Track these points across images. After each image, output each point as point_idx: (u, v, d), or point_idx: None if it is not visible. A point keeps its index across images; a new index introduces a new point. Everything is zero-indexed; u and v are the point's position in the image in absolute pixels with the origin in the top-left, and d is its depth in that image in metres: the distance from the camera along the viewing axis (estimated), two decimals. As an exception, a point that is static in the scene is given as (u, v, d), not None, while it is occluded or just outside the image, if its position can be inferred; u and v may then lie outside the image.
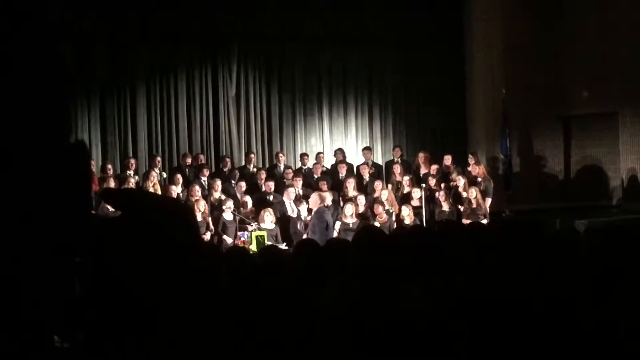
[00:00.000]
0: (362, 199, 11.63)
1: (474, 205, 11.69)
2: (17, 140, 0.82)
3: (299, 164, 13.90)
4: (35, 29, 0.86)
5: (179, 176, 12.14)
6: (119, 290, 0.88)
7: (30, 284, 0.84)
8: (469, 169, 12.91)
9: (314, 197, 11.03)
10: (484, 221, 11.02)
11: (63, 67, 0.87)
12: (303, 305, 3.24)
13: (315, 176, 13.10)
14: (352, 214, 11.03)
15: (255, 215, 11.22)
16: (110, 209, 9.25)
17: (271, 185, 12.10)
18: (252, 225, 10.98)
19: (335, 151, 14.20)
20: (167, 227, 0.91)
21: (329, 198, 11.60)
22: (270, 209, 11.09)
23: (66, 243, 0.85)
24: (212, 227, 11.07)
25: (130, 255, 0.88)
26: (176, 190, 11.60)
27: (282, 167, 13.43)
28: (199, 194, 11.33)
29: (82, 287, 0.89)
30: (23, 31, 0.85)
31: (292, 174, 12.72)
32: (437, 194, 12.04)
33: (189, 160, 13.22)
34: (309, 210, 11.27)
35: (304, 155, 13.91)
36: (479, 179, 12.52)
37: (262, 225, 10.87)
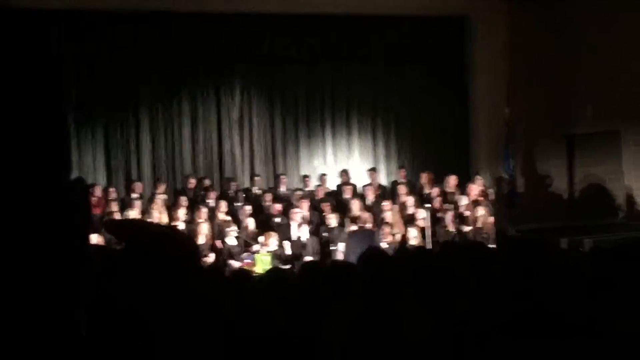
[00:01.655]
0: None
1: (479, 225, 11.67)
2: (14, 177, 0.82)
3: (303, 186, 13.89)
4: (35, 56, 0.86)
5: (184, 198, 12.16)
6: (122, 320, 0.88)
7: (31, 320, 0.84)
8: (467, 189, 12.81)
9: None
10: (489, 241, 11.02)
11: (62, 95, 0.87)
12: (307, 327, 3.23)
13: (317, 198, 13.06)
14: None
15: (258, 237, 11.24)
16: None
17: (278, 207, 12.12)
18: (255, 247, 10.99)
19: (340, 172, 14.19)
20: (168, 256, 0.91)
21: (333, 220, 11.67)
22: (274, 232, 11.11)
23: (66, 278, 0.85)
24: (217, 249, 11.07)
25: (132, 285, 0.88)
26: (181, 212, 11.61)
27: (283, 190, 13.43)
28: (205, 216, 11.36)
29: (85, 319, 0.89)
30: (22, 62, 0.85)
31: (300, 197, 12.71)
32: (440, 214, 12.02)
33: (192, 181, 13.22)
34: (312, 232, 11.37)
35: (305, 177, 13.95)
36: (480, 199, 12.48)
37: (267, 248, 10.88)
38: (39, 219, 0.83)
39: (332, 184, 14.04)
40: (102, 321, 0.90)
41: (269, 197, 12.73)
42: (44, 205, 0.83)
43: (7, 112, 0.83)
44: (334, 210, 12.23)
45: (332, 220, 11.70)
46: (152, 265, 0.89)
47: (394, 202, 12.63)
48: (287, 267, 10.47)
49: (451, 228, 11.69)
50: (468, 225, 11.85)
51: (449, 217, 11.77)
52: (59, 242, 0.84)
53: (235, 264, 10.83)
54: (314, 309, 3.42)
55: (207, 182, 13.43)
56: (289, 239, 11.45)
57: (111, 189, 12.42)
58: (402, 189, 13.09)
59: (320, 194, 13.22)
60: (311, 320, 3.28)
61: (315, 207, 12.56)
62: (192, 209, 12.01)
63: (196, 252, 1.01)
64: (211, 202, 12.31)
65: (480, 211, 11.79)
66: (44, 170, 0.84)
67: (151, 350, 0.89)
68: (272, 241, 10.94)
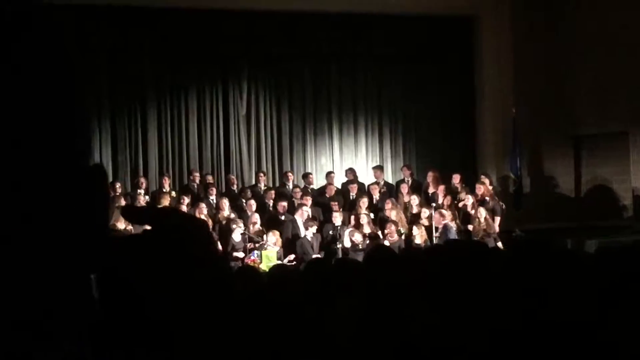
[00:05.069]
0: (365, 218, 11.68)
1: (484, 226, 11.66)
2: (34, 161, 0.82)
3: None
4: (45, 34, 0.87)
5: (186, 195, 12.19)
6: (135, 306, 0.89)
7: (46, 302, 0.85)
8: (476, 189, 12.78)
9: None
10: (497, 242, 11.04)
11: (78, 82, 0.88)
12: (312, 324, 3.23)
13: (327, 196, 12.99)
14: (359, 234, 11.17)
15: (263, 235, 11.26)
16: (121, 226, 9.32)
17: (284, 205, 12.09)
18: (261, 244, 11.00)
19: (346, 171, 14.14)
20: (185, 242, 0.92)
21: (338, 219, 11.65)
22: (274, 231, 11.11)
23: (83, 261, 0.86)
24: (219, 246, 11.07)
25: (148, 271, 0.89)
26: (183, 208, 11.63)
27: (290, 187, 13.42)
28: (205, 211, 11.37)
29: (98, 303, 0.89)
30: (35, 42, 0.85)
31: (300, 194, 12.69)
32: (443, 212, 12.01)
33: (196, 174, 13.25)
34: (318, 230, 11.36)
35: (308, 175, 13.90)
36: (487, 199, 12.46)
37: (272, 246, 10.90)
38: (55, 206, 0.83)
39: (338, 182, 14.00)
40: (114, 303, 0.91)
41: (273, 194, 12.72)
42: (61, 192, 0.84)
43: (25, 100, 0.83)
44: (341, 208, 12.24)
45: (337, 219, 11.68)
46: (171, 250, 0.90)
47: (397, 201, 12.62)
48: (292, 264, 10.51)
49: (454, 227, 11.68)
50: (473, 224, 11.84)
51: (450, 216, 11.75)
52: (75, 229, 0.85)
53: (238, 254, 10.82)
54: (318, 305, 3.43)
55: (209, 178, 13.42)
56: (295, 236, 11.45)
57: (118, 184, 12.42)
58: (404, 188, 13.06)
59: (329, 192, 13.14)
60: (316, 315, 3.29)
61: (318, 204, 12.54)
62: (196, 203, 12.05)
63: (212, 240, 1.01)
64: (213, 198, 12.31)
65: (484, 211, 11.77)
66: (62, 155, 0.85)
67: (161, 335, 0.89)
68: (271, 239, 10.96)
